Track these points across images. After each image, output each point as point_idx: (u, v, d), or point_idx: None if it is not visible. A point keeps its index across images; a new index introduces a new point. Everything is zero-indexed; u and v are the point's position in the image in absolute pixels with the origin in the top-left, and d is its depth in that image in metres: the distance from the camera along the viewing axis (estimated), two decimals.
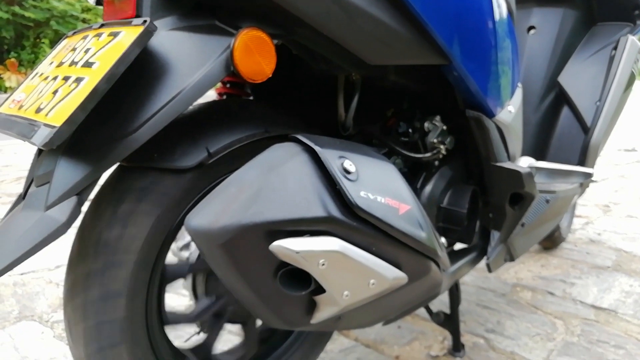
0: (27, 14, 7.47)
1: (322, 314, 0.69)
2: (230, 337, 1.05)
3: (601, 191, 2.69)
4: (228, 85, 0.90)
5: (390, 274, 0.69)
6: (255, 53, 0.63)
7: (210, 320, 0.83)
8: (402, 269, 0.71)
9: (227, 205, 0.59)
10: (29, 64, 7.68)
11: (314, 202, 0.60)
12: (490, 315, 1.38)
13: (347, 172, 0.64)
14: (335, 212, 0.61)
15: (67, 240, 0.66)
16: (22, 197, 0.62)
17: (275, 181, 0.60)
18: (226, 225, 0.57)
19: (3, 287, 1.52)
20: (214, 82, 0.61)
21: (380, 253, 0.68)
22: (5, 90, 6.91)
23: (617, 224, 2.14)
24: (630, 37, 1.33)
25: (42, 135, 0.53)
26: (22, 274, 1.60)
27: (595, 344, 1.23)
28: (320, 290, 0.65)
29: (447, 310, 1.15)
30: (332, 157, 0.63)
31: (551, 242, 1.79)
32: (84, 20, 8.39)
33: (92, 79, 0.55)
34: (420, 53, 0.75)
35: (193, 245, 0.83)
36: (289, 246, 0.59)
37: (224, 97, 0.90)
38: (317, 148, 0.63)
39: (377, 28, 0.68)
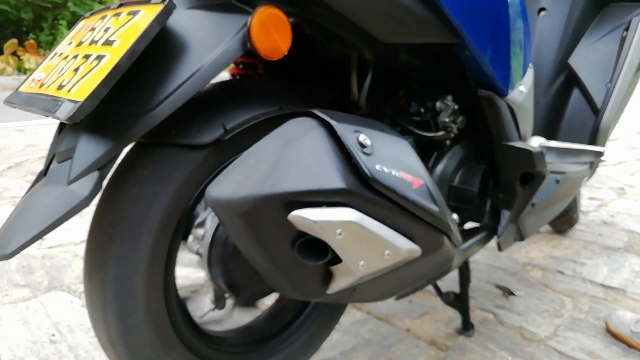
0: None
1: (338, 284, 0.71)
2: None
3: (617, 174, 2.67)
4: (241, 66, 0.92)
5: (405, 246, 0.72)
6: (272, 31, 0.64)
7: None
8: (416, 242, 0.73)
9: (246, 176, 0.61)
10: (47, 45, 7.77)
11: (331, 174, 0.63)
12: (502, 294, 1.41)
13: (363, 146, 0.66)
14: (351, 184, 0.64)
15: (91, 216, 0.70)
16: (44, 173, 0.64)
17: (293, 153, 0.62)
18: (246, 196, 0.60)
19: (33, 260, 1.60)
20: (231, 60, 0.63)
21: (395, 225, 0.70)
22: (25, 71, 7.02)
23: (631, 207, 2.14)
24: None
25: (66, 110, 0.55)
26: (49, 248, 1.68)
27: (601, 321, 1.26)
28: (336, 260, 0.67)
29: (457, 290, 1.18)
30: (348, 131, 0.65)
31: (568, 223, 1.80)
32: (100, 2, 8.43)
33: (113, 56, 0.57)
34: (433, 31, 0.76)
35: (208, 223, 0.86)
36: (308, 216, 0.61)
37: (238, 78, 0.93)
38: (333, 122, 0.65)
39: (391, 6, 0.70)
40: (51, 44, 7.83)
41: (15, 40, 7.11)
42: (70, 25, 8.01)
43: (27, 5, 7.55)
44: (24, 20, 7.72)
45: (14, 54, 7.07)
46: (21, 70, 7.06)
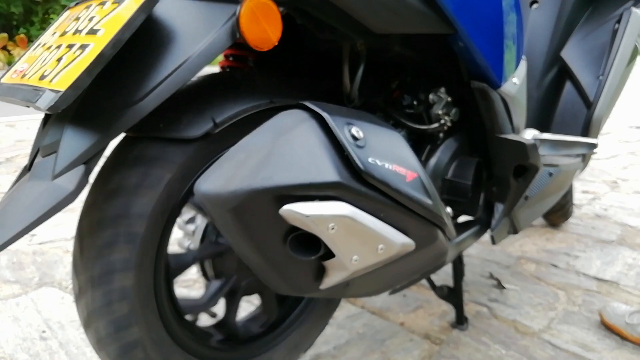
0: None
1: (331, 280, 0.70)
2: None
3: (610, 168, 2.68)
4: (231, 59, 0.91)
5: (399, 240, 0.71)
6: (262, 20, 0.63)
7: (226, 298, 0.86)
8: (410, 236, 0.73)
9: (236, 170, 0.60)
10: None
11: (323, 167, 0.61)
12: (494, 286, 1.41)
13: (355, 138, 0.65)
14: (344, 177, 0.62)
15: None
16: (28, 168, 0.62)
17: (284, 146, 0.61)
18: (236, 190, 0.58)
19: (23, 256, 1.58)
20: (220, 50, 0.62)
21: (388, 219, 0.69)
22: None
23: (624, 200, 2.15)
24: (634, 10, 1.31)
25: (47, 99, 0.53)
26: (40, 244, 1.66)
27: (595, 314, 1.26)
28: (329, 255, 0.67)
29: (451, 284, 1.17)
30: (340, 124, 0.64)
31: (563, 216, 1.80)
32: None
33: (97, 45, 0.55)
34: (426, 22, 0.75)
35: (199, 219, 0.85)
36: (299, 210, 0.60)
37: (227, 70, 0.91)
38: (324, 114, 0.64)
39: None
40: None
41: (5, 35, 7.04)
42: None
43: None
44: (14, 15, 7.64)
45: (4, 48, 7.00)
46: (11, 64, 6.99)
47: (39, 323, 1.21)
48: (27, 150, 2.99)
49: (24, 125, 3.79)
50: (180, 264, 0.79)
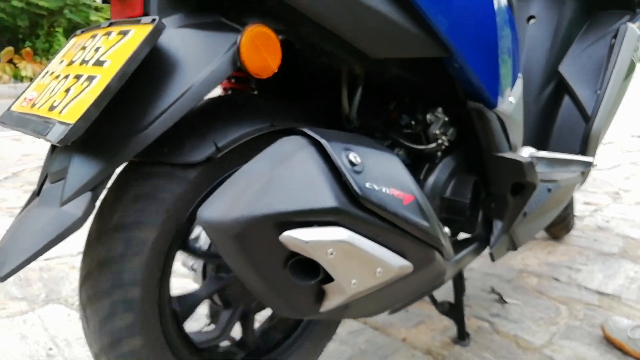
0: (40, 3, 7.53)
1: (330, 303, 0.71)
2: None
3: (612, 178, 2.68)
4: (233, 81, 0.92)
5: (396, 263, 0.72)
6: (261, 49, 0.65)
7: (240, 321, 0.87)
8: (408, 258, 0.74)
9: (238, 197, 0.61)
10: (43, 52, 7.78)
11: (321, 193, 0.63)
12: (496, 300, 1.42)
13: (353, 164, 0.66)
14: (342, 203, 0.64)
15: (88, 227, 0.70)
16: (37, 193, 0.64)
17: (283, 173, 0.63)
18: (238, 217, 0.60)
19: (30, 272, 1.60)
20: (221, 78, 0.64)
21: (386, 243, 0.70)
22: (21, 79, 7.02)
23: (626, 211, 2.15)
24: (630, 25, 1.33)
25: (57, 132, 0.55)
26: (47, 260, 1.68)
27: (597, 328, 1.26)
28: (328, 279, 0.68)
29: (452, 300, 1.18)
30: (338, 150, 0.66)
31: (565, 229, 1.80)
32: (96, 9, 8.45)
33: (104, 78, 0.57)
34: (421, 46, 0.77)
35: (202, 239, 0.86)
36: (299, 236, 0.62)
37: (230, 92, 0.93)
38: (323, 141, 0.66)
39: (379, 22, 0.71)
40: (47, 51, 7.84)
41: (11, 48, 7.11)
42: (67, 32, 8.04)
43: (23, 12, 7.55)
44: (19, 28, 7.73)
45: (10, 61, 7.07)
46: (17, 78, 7.06)
47: (45, 340, 1.23)
48: (33, 164, 3.02)
49: (30, 139, 3.83)
50: (187, 305, 0.80)
